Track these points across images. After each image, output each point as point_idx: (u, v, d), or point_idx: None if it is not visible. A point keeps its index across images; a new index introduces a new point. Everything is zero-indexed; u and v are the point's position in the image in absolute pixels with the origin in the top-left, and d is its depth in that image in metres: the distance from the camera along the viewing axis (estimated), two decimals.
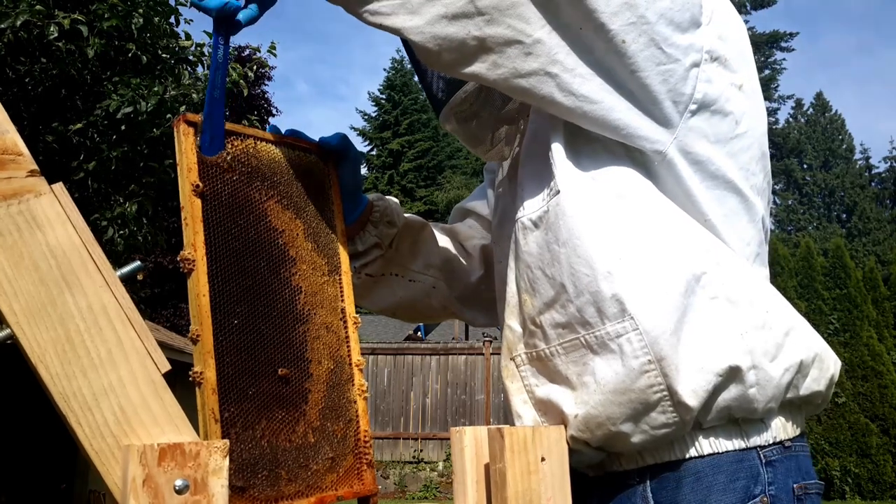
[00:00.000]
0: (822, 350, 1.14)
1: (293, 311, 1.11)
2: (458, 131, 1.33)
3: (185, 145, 1.05)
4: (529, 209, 1.15)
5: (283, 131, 1.21)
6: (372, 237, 1.34)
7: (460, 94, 1.26)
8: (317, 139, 1.25)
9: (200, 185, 1.04)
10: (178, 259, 1.01)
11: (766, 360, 1.06)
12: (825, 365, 1.14)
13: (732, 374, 1.03)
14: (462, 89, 1.26)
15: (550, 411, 1.12)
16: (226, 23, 1.05)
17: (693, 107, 1.09)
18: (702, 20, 1.09)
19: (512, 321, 1.18)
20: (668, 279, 1.04)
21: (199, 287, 0.99)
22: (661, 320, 1.02)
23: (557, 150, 1.12)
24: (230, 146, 1.10)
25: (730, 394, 1.04)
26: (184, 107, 6.49)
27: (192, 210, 1.02)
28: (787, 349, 1.09)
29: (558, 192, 1.10)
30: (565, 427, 1.09)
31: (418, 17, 0.96)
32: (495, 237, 1.35)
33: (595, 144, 1.11)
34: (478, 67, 1.01)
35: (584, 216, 1.07)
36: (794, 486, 1.09)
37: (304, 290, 1.14)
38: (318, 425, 1.09)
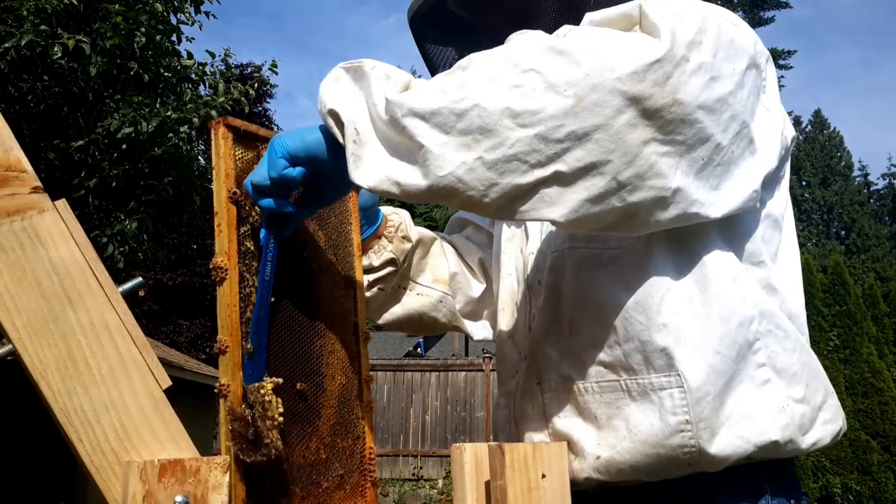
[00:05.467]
0: (843, 422, 1.17)
1: (312, 324, 1.09)
2: None
3: (224, 150, 1.01)
4: (591, 243, 1.13)
5: None
6: (387, 252, 1.33)
7: None
8: None
9: (238, 191, 1.00)
10: (211, 266, 0.96)
11: (800, 434, 1.08)
12: (839, 434, 1.16)
13: (770, 447, 1.05)
14: None
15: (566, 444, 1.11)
16: (276, 220, 1.01)
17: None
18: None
19: (548, 347, 1.17)
20: (723, 342, 1.04)
21: (231, 297, 0.96)
22: (707, 382, 1.02)
23: None
24: (260, 151, 1.06)
25: (760, 457, 1.06)
26: (185, 126, 6.52)
27: (227, 217, 0.98)
28: (819, 423, 1.12)
29: (633, 235, 1.09)
30: (575, 457, 1.09)
31: (560, 207, 0.91)
32: (504, 250, 1.34)
33: None
34: (622, 230, 0.97)
35: (652, 264, 1.07)
36: (791, 501, 1.11)
37: (322, 303, 1.12)
38: (328, 441, 1.07)
